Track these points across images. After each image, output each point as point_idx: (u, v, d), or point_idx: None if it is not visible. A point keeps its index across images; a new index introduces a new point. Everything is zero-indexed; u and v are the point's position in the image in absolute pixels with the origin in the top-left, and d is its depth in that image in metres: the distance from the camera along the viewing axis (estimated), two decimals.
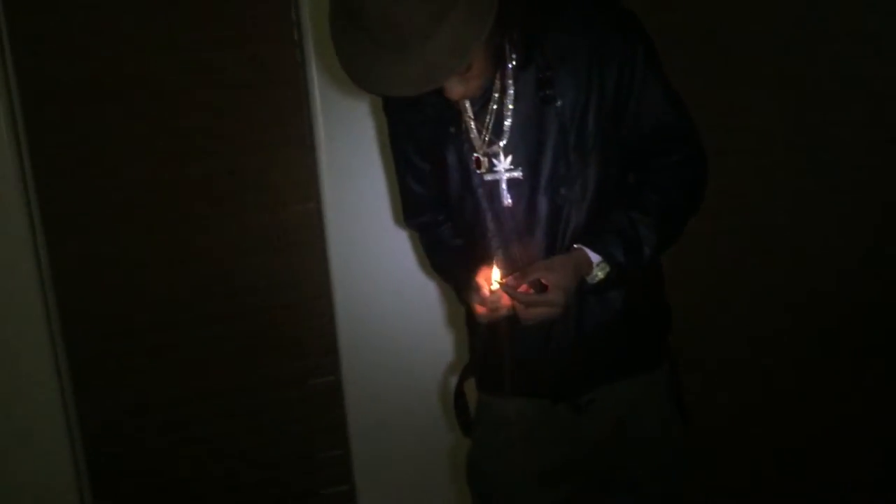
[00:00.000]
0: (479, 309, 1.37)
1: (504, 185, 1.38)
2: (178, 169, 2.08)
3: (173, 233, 2.11)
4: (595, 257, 1.36)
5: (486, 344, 1.52)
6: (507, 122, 1.36)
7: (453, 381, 1.65)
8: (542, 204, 1.38)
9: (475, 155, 1.39)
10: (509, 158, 1.37)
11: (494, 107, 1.36)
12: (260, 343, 2.21)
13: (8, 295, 1.96)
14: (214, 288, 2.16)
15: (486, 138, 1.37)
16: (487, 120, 1.37)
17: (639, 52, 1.32)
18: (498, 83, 1.34)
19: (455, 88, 1.26)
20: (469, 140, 1.39)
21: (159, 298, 2.12)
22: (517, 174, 1.37)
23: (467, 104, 1.37)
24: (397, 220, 2.09)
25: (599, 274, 1.37)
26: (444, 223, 1.56)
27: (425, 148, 1.47)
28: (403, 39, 1.11)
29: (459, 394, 1.62)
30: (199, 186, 2.10)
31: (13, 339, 1.98)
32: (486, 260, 1.39)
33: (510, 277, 1.33)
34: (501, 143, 1.37)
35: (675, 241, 1.45)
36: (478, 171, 1.39)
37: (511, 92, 1.34)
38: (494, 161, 1.38)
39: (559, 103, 1.33)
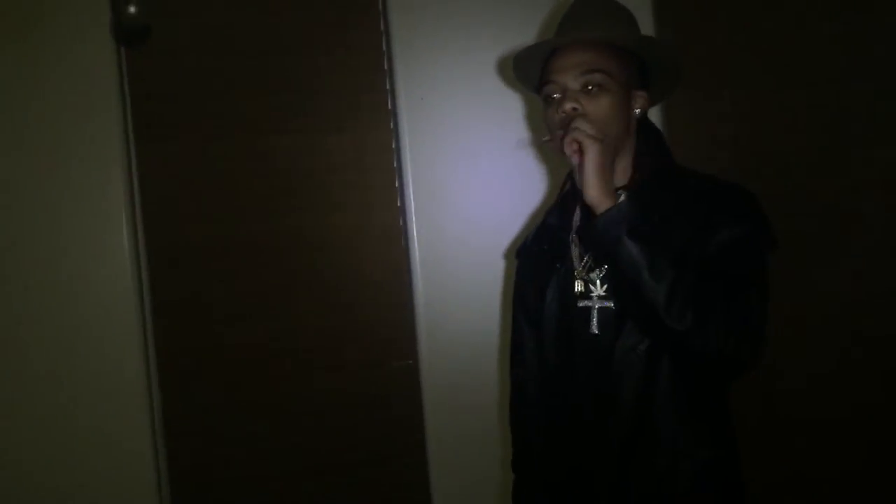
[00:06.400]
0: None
1: (595, 314, 1.40)
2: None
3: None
4: (618, 209, 1.29)
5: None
6: None
7: None
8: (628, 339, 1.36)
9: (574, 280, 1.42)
10: (605, 287, 1.39)
11: None
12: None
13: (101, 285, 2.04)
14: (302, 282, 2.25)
15: (588, 264, 1.41)
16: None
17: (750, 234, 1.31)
18: None
19: (574, 102, 1.34)
20: (571, 268, 1.44)
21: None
22: (609, 304, 1.38)
23: (576, 236, 1.44)
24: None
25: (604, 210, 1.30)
26: (534, 383, 1.53)
27: (536, 285, 1.52)
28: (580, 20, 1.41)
29: None
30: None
31: (106, 337, 2.06)
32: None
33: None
34: (600, 272, 1.40)
35: (638, 291, 1.27)
36: (574, 293, 1.42)
37: None
38: (591, 287, 1.40)
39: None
